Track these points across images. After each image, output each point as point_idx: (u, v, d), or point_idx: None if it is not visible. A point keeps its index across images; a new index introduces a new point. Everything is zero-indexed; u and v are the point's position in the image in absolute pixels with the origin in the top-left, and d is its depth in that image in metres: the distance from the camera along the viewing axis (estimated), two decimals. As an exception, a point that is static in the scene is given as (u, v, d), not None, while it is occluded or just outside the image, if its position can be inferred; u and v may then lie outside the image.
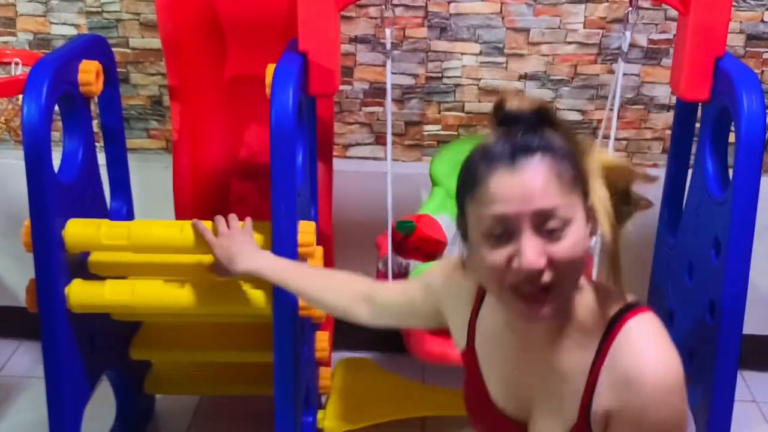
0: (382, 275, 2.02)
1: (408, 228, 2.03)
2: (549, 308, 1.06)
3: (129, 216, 2.10)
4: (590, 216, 1.09)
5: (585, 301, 1.13)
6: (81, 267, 1.81)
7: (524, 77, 2.36)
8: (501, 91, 1.34)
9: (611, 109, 1.93)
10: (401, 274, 2.00)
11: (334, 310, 1.55)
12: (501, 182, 1.04)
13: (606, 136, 1.93)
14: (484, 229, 1.06)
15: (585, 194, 1.08)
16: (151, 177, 2.34)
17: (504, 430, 1.23)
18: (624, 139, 2.42)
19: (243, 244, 1.64)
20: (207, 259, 1.81)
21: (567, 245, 1.04)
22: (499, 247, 1.05)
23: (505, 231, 1.04)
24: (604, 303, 1.12)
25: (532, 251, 1.02)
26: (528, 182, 1.03)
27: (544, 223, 1.03)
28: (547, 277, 1.04)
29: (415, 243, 2.00)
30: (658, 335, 1.10)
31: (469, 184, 1.10)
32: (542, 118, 1.09)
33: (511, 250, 1.04)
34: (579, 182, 1.07)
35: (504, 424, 1.22)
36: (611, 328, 1.10)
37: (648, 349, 1.08)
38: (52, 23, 2.38)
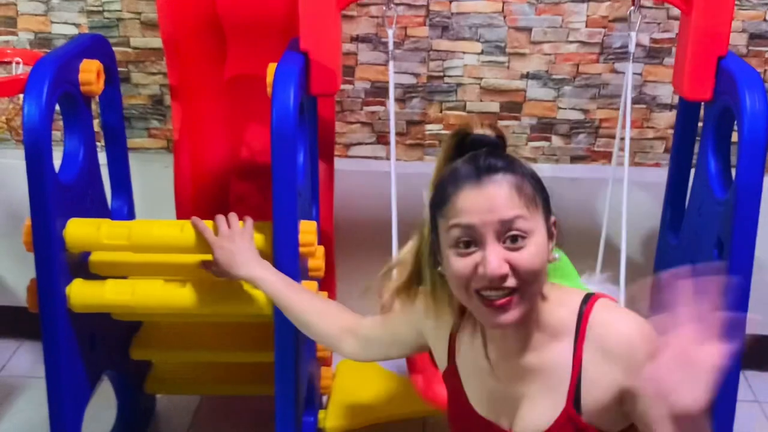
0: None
1: None
2: (513, 314, 1.15)
3: (130, 216, 2.10)
4: (551, 233, 1.20)
5: (548, 303, 1.22)
6: (82, 267, 1.81)
7: (526, 76, 2.36)
8: (461, 122, 1.44)
9: (617, 109, 1.93)
10: None
11: (320, 338, 1.57)
12: (468, 197, 1.15)
13: (622, 138, 1.92)
14: (452, 241, 1.16)
15: (546, 211, 1.20)
16: (152, 177, 2.34)
17: None
18: (626, 138, 2.42)
19: (243, 249, 1.63)
20: (207, 258, 1.81)
21: (527, 254, 1.14)
22: (465, 256, 1.15)
23: (472, 241, 1.14)
24: (564, 298, 1.23)
25: (495, 258, 1.12)
26: (492, 195, 1.14)
27: (507, 233, 1.13)
28: (510, 282, 1.13)
29: None
30: (623, 310, 1.24)
31: (439, 202, 1.20)
32: (503, 143, 1.25)
33: (476, 257, 1.14)
34: (539, 200, 1.18)
35: (487, 429, 1.28)
36: (581, 316, 1.20)
37: (620, 320, 1.20)
38: (53, 22, 2.37)
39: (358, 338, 1.49)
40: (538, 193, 1.18)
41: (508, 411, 1.26)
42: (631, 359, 1.14)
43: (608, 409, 1.18)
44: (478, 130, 1.27)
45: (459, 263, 1.15)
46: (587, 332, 1.19)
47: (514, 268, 1.13)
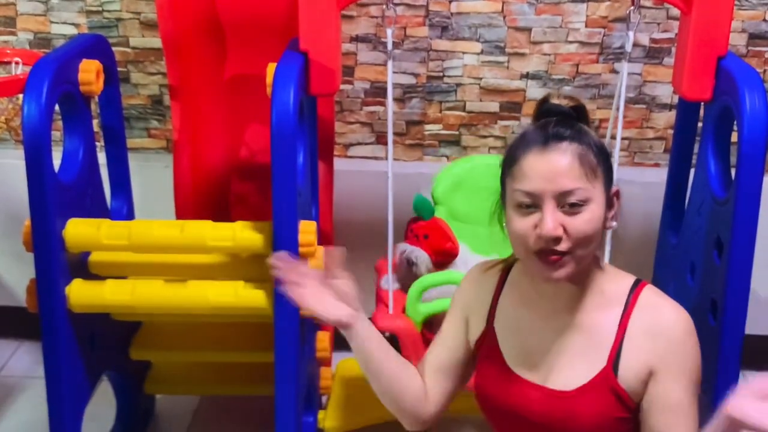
0: (384, 294, 1.98)
1: (427, 209, 1.98)
2: (564, 271, 1.24)
3: (129, 216, 2.10)
4: (611, 203, 1.28)
5: (605, 273, 1.32)
6: (81, 267, 1.81)
7: (526, 76, 2.36)
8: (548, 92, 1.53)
9: (617, 109, 1.93)
10: (408, 282, 1.95)
11: (405, 412, 1.47)
12: (532, 162, 1.23)
13: (613, 137, 1.92)
14: (516, 201, 1.25)
15: (608, 182, 1.26)
16: (152, 176, 2.34)
17: (521, 392, 1.32)
18: (626, 138, 2.42)
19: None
20: (207, 258, 1.81)
21: (581, 221, 1.22)
22: (526, 216, 1.24)
23: (533, 203, 1.23)
24: (618, 276, 1.34)
25: (551, 221, 1.21)
26: (554, 164, 1.22)
27: (565, 200, 1.21)
28: (563, 245, 1.22)
29: (427, 229, 1.96)
30: (671, 299, 1.32)
31: (508, 162, 1.28)
32: (578, 115, 1.30)
33: (536, 219, 1.23)
34: (602, 170, 1.25)
35: (521, 387, 1.33)
36: (632, 292, 1.30)
37: (670, 307, 1.29)
38: (52, 22, 2.37)
39: (429, 382, 1.45)
40: (601, 164, 1.25)
41: (546, 367, 1.32)
42: (671, 342, 1.25)
43: (640, 381, 1.26)
44: (555, 100, 1.33)
45: (519, 223, 1.24)
46: (636, 307, 1.28)
47: (567, 231, 1.21)
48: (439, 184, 2.14)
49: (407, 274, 1.97)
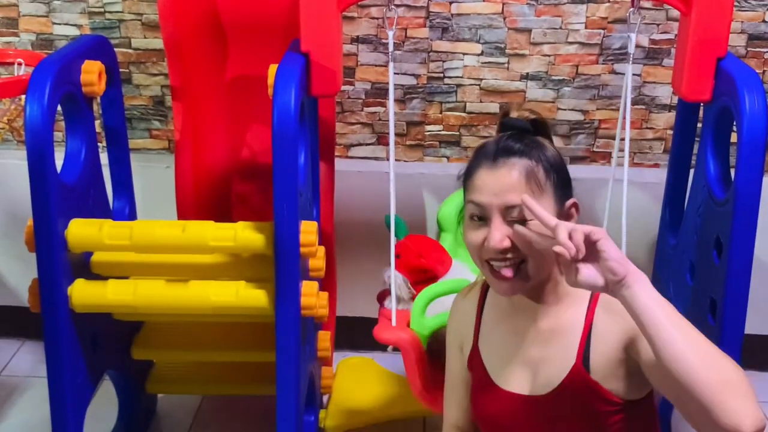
0: (386, 312, 1.92)
1: (398, 228, 1.96)
2: (515, 283, 1.28)
3: (131, 216, 2.10)
4: (568, 215, 1.30)
5: None
6: (83, 267, 1.82)
7: (526, 77, 2.37)
8: (507, 101, 1.49)
9: (616, 110, 1.93)
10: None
11: None
12: (482, 176, 1.29)
13: (622, 138, 1.92)
14: (469, 212, 1.31)
15: (561, 195, 1.30)
16: (154, 177, 2.35)
17: (506, 405, 1.36)
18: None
19: None
20: (209, 259, 1.82)
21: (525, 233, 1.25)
22: (478, 229, 1.29)
23: (482, 215, 1.28)
24: None
25: (497, 234, 1.26)
26: (501, 179, 1.27)
27: (511, 214, 1.26)
28: (509, 255, 1.26)
29: (397, 249, 1.93)
30: None
31: (465, 174, 1.34)
32: (536, 128, 1.34)
33: (485, 231, 1.28)
34: (552, 185, 1.28)
35: (506, 400, 1.36)
36: None
37: None
38: (54, 24, 2.38)
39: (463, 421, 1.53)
40: (551, 179, 1.28)
41: (525, 375, 1.35)
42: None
43: (615, 364, 1.26)
44: (514, 113, 1.37)
45: (472, 235, 1.30)
46: (599, 298, 1.30)
47: (514, 244, 1.26)
48: (444, 211, 2.13)
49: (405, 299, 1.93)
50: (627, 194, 1.88)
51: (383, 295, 1.98)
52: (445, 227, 2.13)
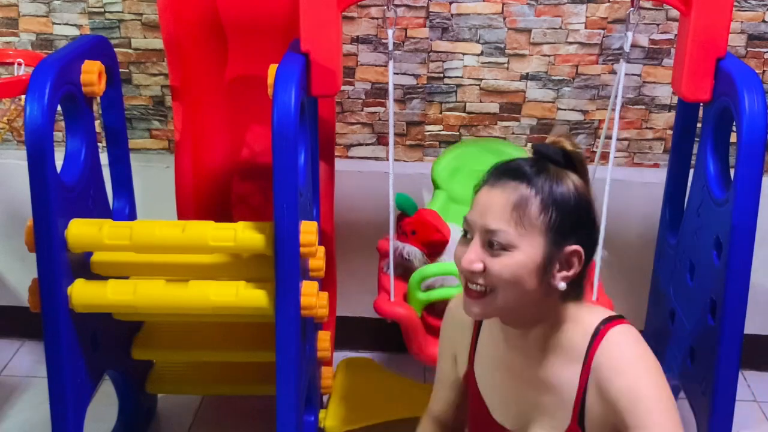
0: (385, 278, 2.01)
1: (408, 205, 2.00)
2: (478, 308, 1.24)
3: (131, 216, 2.10)
4: (567, 262, 1.22)
5: (571, 317, 1.27)
6: (83, 267, 1.82)
7: (526, 77, 2.37)
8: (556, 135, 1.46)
9: (613, 110, 1.93)
10: (407, 274, 1.99)
11: None
12: (480, 193, 1.25)
13: (608, 137, 1.93)
14: (463, 226, 1.27)
15: (557, 238, 1.21)
16: (153, 177, 2.35)
17: None
18: (625, 139, 2.43)
19: None
20: (209, 259, 1.82)
21: (499, 264, 1.20)
22: (463, 245, 1.25)
23: (469, 233, 1.24)
24: (587, 318, 1.27)
25: (471, 254, 1.22)
26: (489, 200, 1.22)
27: (489, 238, 1.21)
28: (481, 280, 1.22)
29: (414, 225, 1.99)
30: (635, 341, 1.25)
31: (475, 187, 1.28)
32: (567, 161, 1.24)
33: (466, 249, 1.24)
34: (545, 224, 1.20)
35: None
36: (594, 339, 1.24)
37: (626, 349, 1.24)
38: (54, 24, 2.38)
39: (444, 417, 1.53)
40: (548, 216, 1.20)
41: (521, 418, 1.31)
42: (623, 402, 1.19)
43: (610, 428, 1.23)
44: (551, 139, 1.29)
45: (458, 249, 1.26)
46: (594, 361, 1.23)
47: (486, 269, 1.21)
48: (438, 168, 2.18)
49: (404, 268, 2.00)
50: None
51: (382, 248, 2.04)
52: (438, 184, 2.18)
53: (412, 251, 1.99)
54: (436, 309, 2.01)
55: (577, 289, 1.27)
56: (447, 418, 1.52)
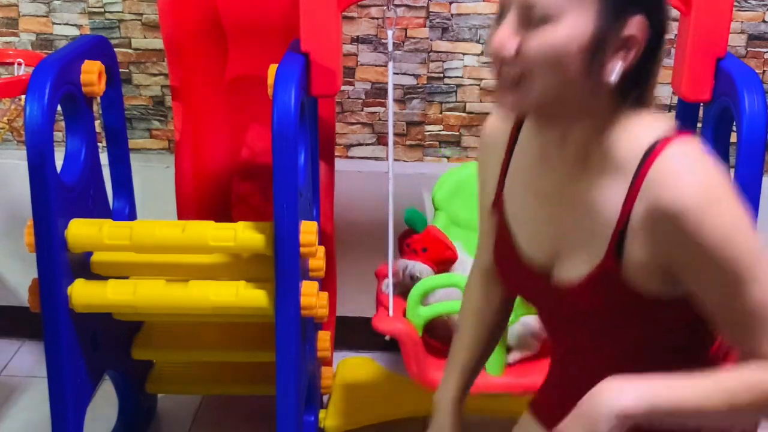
0: (384, 297, 1.97)
1: (419, 221, 1.95)
2: (512, 99, 1.04)
3: (131, 216, 2.10)
4: (621, 45, 1.00)
5: (624, 126, 1.04)
6: (83, 267, 1.82)
7: (526, 77, 2.36)
8: None
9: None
10: (407, 294, 1.94)
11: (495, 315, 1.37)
12: None
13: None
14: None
15: (615, 11, 0.98)
16: (153, 177, 2.35)
17: (528, 280, 1.17)
18: (625, 139, 2.42)
19: None
20: (209, 259, 1.82)
21: (538, 41, 0.99)
22: (495, 29, 1.04)
23: (501, 15, 1.04)
24: (645, 131, 1.04)
25: (500, 35, 1.02)
26: None
27: (528, 14, 1.00)
28: (513, 65, 1.01)
29: (424, 242, 1.94)
30: (696, 159, 1.01)
31: None
32: None
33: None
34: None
35: (528, 274, 1.16)
36: (647, 157, 1.01)
37: (685, 174, 0.99)
38: (54, 24, 2.38)
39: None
40: None
41: (550, 252, 1.13)
42: (679, 234, 0.97)
43: (653, 272, 1.03)
44: None
45: (491, 35, 1.05)
46: (645, 179, 1.00)
47: (519, 51, 1.00)
48: (439, 190, 2.14)
49: (406, 288, 1.94)
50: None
51: (381, 273, 2.02)
52: (439, 206, 2.15)
53: (424, 269, 1.93)
54: (437, 330, 1.96)
55: (636, 91, 1.04)
56: (494, 267, 1.30)
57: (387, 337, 1.88)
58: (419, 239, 1.95)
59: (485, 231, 1.29)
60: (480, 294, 1.34)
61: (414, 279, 1.94)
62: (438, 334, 1.96)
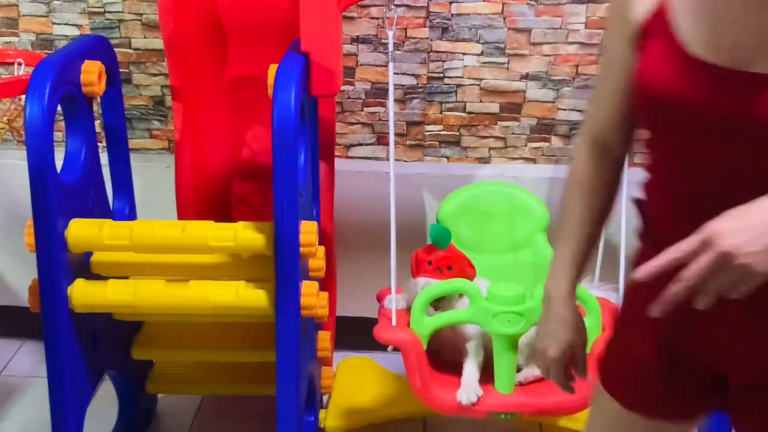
0: (387, 312, 1.90)
1: (443, 237, 1.86)
2: None
3: (131, 216, 2.10)
4: None
5: None
6: (83, 267, 1.82)
7: (526, 77, 2.37)
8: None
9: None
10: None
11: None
12: None
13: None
14: None
15: None
16: (153, 177, 2.35)
17: (708, 89, 0.98)
18: (625, 139, 2.42)
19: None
20: (209, 259, 1.82)
21: None
22: None
23: None
24: None
25: None
26: None
27: None
28: None
29: (449, 260, 1.86)
30: None
31: None
32: None
33: None
34: None
35: (709, 80, 0.98)
36: None
37: None
38: (54, 24, 2.38)
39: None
40: None
41: (744, 52, 0.96)
42: None
43: None
44: None
45: None
46: None
47: None
48: (444, 210, 2.11)
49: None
50: (626, 194, 1.88)
51: (383, 295, 1.99)
52: (444, 225, 2.12)
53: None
54: (445, 348, 1.90)
55: None
56: (609, 135, 1.21)
57: (389, 348, 1.82)
58: (444, 257, 1.88)
59: (610, 79, 1.13)
60: (588, 166, 1.23)
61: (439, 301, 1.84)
62: (445, 356, 1.89)
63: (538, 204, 2.10)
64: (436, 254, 1.89)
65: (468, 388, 1.77)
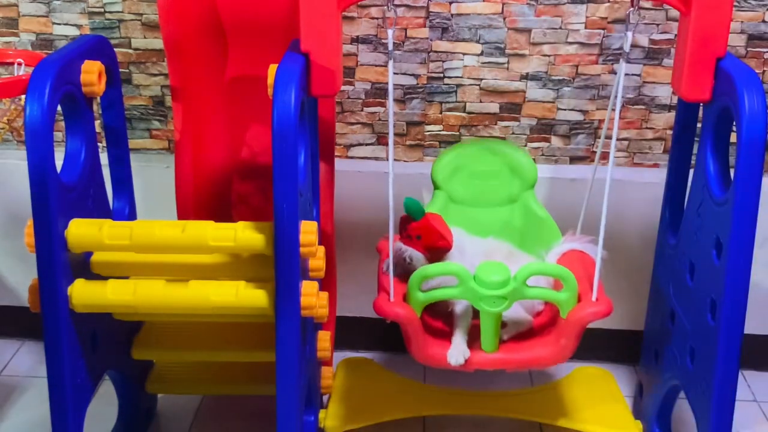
0: (385, 278, 2.02)
1: (417, 210, 2.03)
2: None
3: (131, 216, 2.10)
4: None
5: None
6: (83, 267, 1.82)
7: (525, 77, 2.37)
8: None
9: (613, 110, 1.93)
10: (406, 275, 2.00)
11: None
12: None
13: (608, 137, 1.93)
14: None
15: None
16: (153, 177, 2.35)
17: None
18: (625, 139, 2.43)
19: None
20: (209, 258, 1.82)
21: None
22: None
23: None
24: None
25: None
26: None
27: None
28: None
29: (418, 230, 2.00)
30: None
31: None
32: None
33: None
34: None
35: None
36: None
37: None
38: (54, 24, 2.38)
39: None
40: None
41: None
42: None
43: None
44: None
45: None
46: None
47: None
48: (437, 168, 2.18)
49: (405, 269, 2.01)
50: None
51: (382, 247, 2.07)
52: (438, 184, 2.17)
53: (415, 255, 2.00)
54: (435, 309, 2.02)
55: None
56: None
57: (388, 320, 1.95)
58: (416, 227, 2.01)
59: None
60: None
61: (407, 262, 2.01)
62: (436, 312, 2.04)
63: (528, 161, 2.16)
64: (412, 224, 2.02)
65: (457, 350, 1.93)
